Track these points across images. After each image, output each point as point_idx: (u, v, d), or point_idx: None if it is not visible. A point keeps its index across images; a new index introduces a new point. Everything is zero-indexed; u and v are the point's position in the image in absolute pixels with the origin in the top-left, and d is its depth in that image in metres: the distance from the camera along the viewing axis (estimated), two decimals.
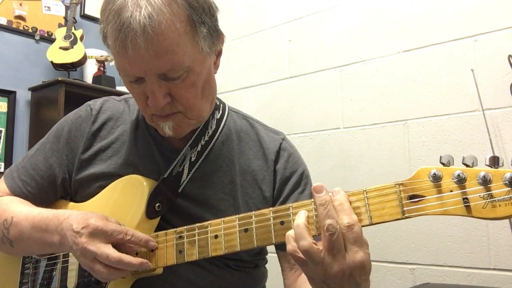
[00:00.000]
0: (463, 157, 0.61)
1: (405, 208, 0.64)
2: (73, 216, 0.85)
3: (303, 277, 0.92)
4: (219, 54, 0.94)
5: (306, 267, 0.67)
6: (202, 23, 0.83)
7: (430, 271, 1.87)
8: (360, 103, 2.16)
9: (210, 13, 0.86)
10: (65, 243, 0.84)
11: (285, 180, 1.00)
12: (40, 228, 0.89)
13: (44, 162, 1.01)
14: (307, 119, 2.33)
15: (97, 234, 0.80)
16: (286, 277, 0.99)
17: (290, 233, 0.67)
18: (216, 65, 0.95)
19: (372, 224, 0.68)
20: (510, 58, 1.74)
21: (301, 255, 0.65)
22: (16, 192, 1.02)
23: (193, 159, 0.95)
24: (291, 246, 0.67)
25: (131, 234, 0.82)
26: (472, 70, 1.81)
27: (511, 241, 1.69)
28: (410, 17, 2.04)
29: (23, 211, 0.94)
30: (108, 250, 0.79)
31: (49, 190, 1.02)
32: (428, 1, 1.99)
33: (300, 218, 0.68)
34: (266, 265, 1.08)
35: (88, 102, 1.06)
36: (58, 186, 1.01)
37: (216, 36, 0.88)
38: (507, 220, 1.65)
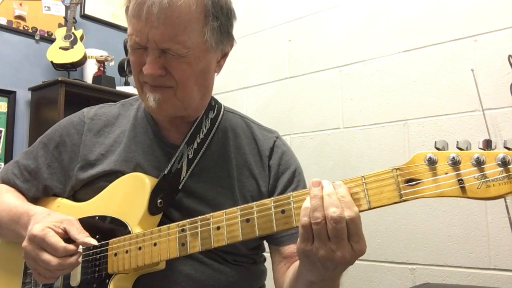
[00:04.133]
0: (457, 141, 0.63)
1: (402, 192, 0.66)
2: (34, 217, 0.93)
3: (292, 267, 0.94)
4: (224, 55, 0.99)
5: (309, 243, 0.69)
6: (216, 18, 0.90)
7: (430, 271, 1.87)
8: (360, 103, 2.16)
9: (227, 15, 0.93)
10: None
11: (279, 176, 1.03)
12: (14, 221, 0.98)
13: (34, 161, 1.07)
14: (307, 119, 2.33)
15: (36, 241, 0.86)
16: (276, 270, 1.01)
17: (306, 204, 0.70)
18: (219, 65, 0.99)
19: (371, 209, 0.70)
20: (510, 58, 1.74)
21: (311, 229, 0.68)
22: (6, 183, 1.10)
23: (190, 156, 0.98)
24: (307, 218, 0.69)
25: (62, 253, 0.86)
26: (472, 70, 1.81)
27: (511, 241, 1.69)
28: (410, 17, 2.04)
29: (5, 201, 1.02)
30: (47, 258, 0.85)
31: (35, 186, 1.07)
32: (428, 1, 1.99)
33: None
34: (265, 264, 1.09)
35: (84, 109, 1.10)
36: (41, 184, 1.06)
37: (226, 36, 0.94)
38: (507, 220, 1.65)
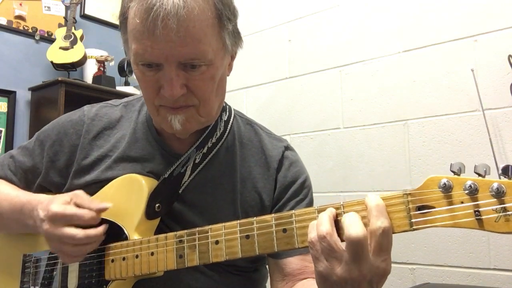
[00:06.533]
0: (475, 165, 0.58)
1: (413, 220, 0.61)
2: (41, 202, 0.88)
3: (299, 287, 0.90)
4: (232, 57, 0.93)
5: (321, 262, 0.63)
6: (229, 20, 0.84)
7: (430, 271, 1.87)
8: (360, 103, 2.16)
9: (234, 14, 0.87)
10: (37, 228, 0.88)
11: (285, 188, 0.98)
12: (16, 210, 0.95)
13: (30, 159, 1.03)
14: (307, 119, 2.33)
15: (57, 219, 0.83)
16: (275, 287, 0.95)
17: (313, 222, 0.65)
18: (230, 67, 0.94)
19: None
20: (510, 58, 1.74)
21: (319, 245, 0.62)
22: (2, 179, 1.06)
23: (197, 160, 0.94)
24: (313, 234, 0.63)
25: (87, 219, 0.83)
26: (472, 70, 1.81)
27: (511, 241, 1.69)
28: (410, 17, 2.04)
29: (4, 192, 0.99)
30: (72, 231, 0.82)
31: (32, 184, 1.04)
32: (428, 1, 1.99)
33: (326, 211, 0.65)
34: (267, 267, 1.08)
35: (84, 107, 1.04)
36: (36, 183, 1.03)
37: (238, 37, 0.89)
38: None
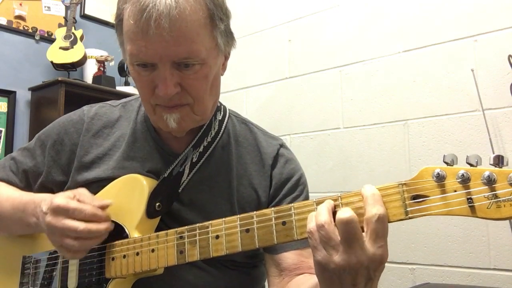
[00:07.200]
0: (467, 156, 0.60)
1: (408, 209, 0.63)
2: (44, 199, 0.88)
3: (296, 281, 0.91)
4: (226, 58, 0.95)
5: (319, 252, 0.64)
6: (221, 20, 0.86)
7: (430, 271, 1.87)
8: (360, 103, 2.16)
9: (226, 14, 0.89)
10: (40, 224, 0.88)
11: (281, 185, 1.00)
12: (19, 210, 0.95)
13: (31, 159, 1.04)
14: (307, 119, 2.33)
15: (60, 211, 0.82)
16: (273, 283, 0.96)
17: (312, 213, 0.67)
18: (224, 67, 0.96)
19: None
20: (510, 58, 1.74)
21: (317, 234, 0.64)
22: (4, 181, 1.07)
23: (194, 159, 0.96)
24: (312, 224, 0.65)
25: (90, 213, 0.83)
26: (472, 70, 1.81)
27: (511, 241, 1.69)
28: (410, 17, 2.04)
29: (5, 194, 1.00)
30: (74, 223, 0.81)
31: (33, 184, 1.05)
32: (428, 1, 2.00)
33: (325, 203, 0.67)
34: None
35: (84, 107, 1.06)
36: (38, 183, 1.04)
37: (230, 37, 0.91)
38: (507, 220, 1.65)
